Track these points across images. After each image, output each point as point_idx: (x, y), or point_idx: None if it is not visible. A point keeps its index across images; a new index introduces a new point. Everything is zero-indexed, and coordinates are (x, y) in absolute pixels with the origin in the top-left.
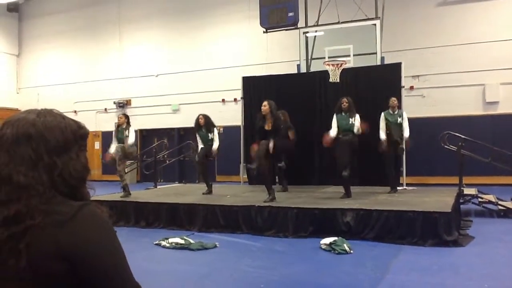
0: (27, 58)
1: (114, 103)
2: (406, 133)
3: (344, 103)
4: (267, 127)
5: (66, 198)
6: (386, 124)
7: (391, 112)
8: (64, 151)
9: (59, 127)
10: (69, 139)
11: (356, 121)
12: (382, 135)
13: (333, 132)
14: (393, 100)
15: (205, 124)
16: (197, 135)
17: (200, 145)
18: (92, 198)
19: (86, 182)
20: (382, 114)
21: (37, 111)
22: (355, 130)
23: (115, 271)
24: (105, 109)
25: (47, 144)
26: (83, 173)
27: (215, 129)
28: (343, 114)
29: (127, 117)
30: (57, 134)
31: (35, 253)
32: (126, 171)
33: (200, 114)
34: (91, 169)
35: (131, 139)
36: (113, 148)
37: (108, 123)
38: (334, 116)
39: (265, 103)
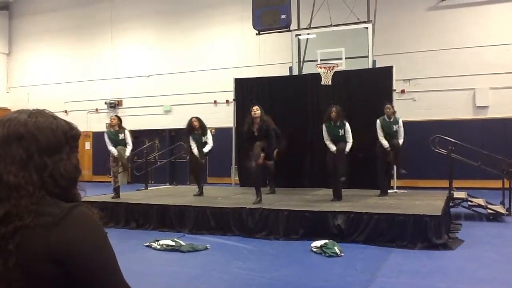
0: (17, 57)
1: (106, 103)
2: (401, 140)
3: (333, 113)
4: (255, 131)
5: (56, 199)
6: (383, 131)
7: (387, 119)
8: (55, 152)
9: (50, 127)
10: (60, 139)
11: (347, 133)
12: (385, 143)
13: (332, 147)
14: (388, 108)
15: (200, 127)
16: (190, 138)
17: (195, 148)
18: (82, 199)
19: (77, 183)
20: (378, 121)
21: (29, 111)
22: (347, 148)
23: (106, 273)
24: (96, 109)
25: (38, 144)
26: (74, 174)
27: (209, 131)
28: (332, 123)
29: (119, 119)
30: (49, 135)
31: (25, 254)
32: (119, 171)
33: (194, 117)
34: (81, 169)
35: (129, 148)
36: (115, 151)
37: (99, 124)
38: (323, 125)
39: (257, 107)
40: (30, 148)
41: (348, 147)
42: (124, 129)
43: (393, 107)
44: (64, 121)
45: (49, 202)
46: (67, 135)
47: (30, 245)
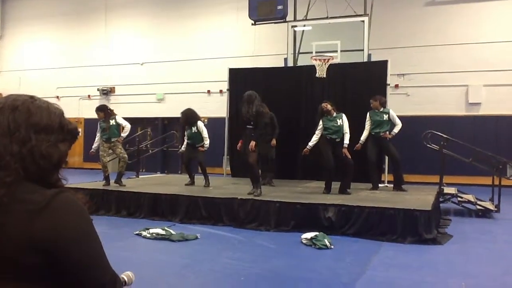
0: (9, 41)
1: (98, 90)
2: (397, 129)
3: (328, 106)
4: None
5: (37, 185)
6: (373, 122)
7: (376, 111)
8: (43, 132)
9: (48, 109)
10: (53, 123)
11: (345, 123)
12: (363, 136)
13: (313, 141)
14: (371, 102)
15: (185, 122)
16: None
17: (186, 140)
18: (73, 186)
19: (58, 169)
20: (368, 114)
21: (37, 97)
22: (346, 140)
23: (91, 259)
24: (89, 95)
25: (29, 118)
26: (56, 159)
27: (198, 122)
28: (328, 116)
29: (102, 110)
30: (43, 114)
31: (7, 245)
32: (108, 160)
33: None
34: (72, 155)
35: (126, 131)
36: (96, 143)
37: (91, 110)
38: (321, 121)
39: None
40: (19, 119)
41: (347, 138)
42: (114, 115)
43: (378, 99)
44: (68, 119)
45: (28, 188)
46: (63, 125)
47: (11, 235)
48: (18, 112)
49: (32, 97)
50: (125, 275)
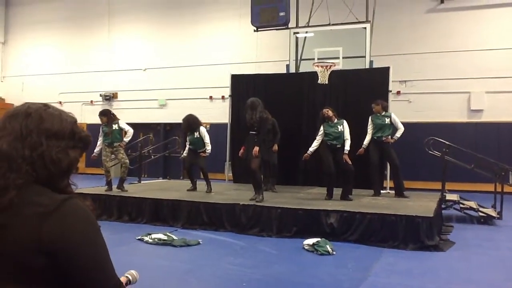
0: (13, 46)
1: (101, 95)
2: (399, 133)
3: (329, 112)
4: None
5: (45, 188)
6: (375, 126)
7: (378, 115)
8: (54, 137)
9: (59, 116)
10: (65, 130)
11: (346, 129)
12: (366, 141)
13: (313, 146)
14: (373, 106)
15: (187, 127)
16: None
17: (188, 146)
18: (75, 191)
19: (69, 175)
20: (370, 118)
21: (50, 104)
22: (347, 146)
23: (96, 264)
24: (91, 101)
25: (40, 124)
26: (66, 165)
27: (201, 127)
28: (329, 122)
29: (105, 114)
30: (55, 121)
31: (14, 245)
32: (111, 165)
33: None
34: (77, 167)
35: (128, 136)
36: (98, 147)
37: (94, 116)
38: (321, 127)
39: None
40: (31, 124)
41: (347, 144)
42: (117, 120)
43: (380, 103)
44: (81, 128)
45: (37, 191)
46: (75, 133)
47: (20, 237)
48: (30, 118)
49: (45, 104)
50: (129, 274)
